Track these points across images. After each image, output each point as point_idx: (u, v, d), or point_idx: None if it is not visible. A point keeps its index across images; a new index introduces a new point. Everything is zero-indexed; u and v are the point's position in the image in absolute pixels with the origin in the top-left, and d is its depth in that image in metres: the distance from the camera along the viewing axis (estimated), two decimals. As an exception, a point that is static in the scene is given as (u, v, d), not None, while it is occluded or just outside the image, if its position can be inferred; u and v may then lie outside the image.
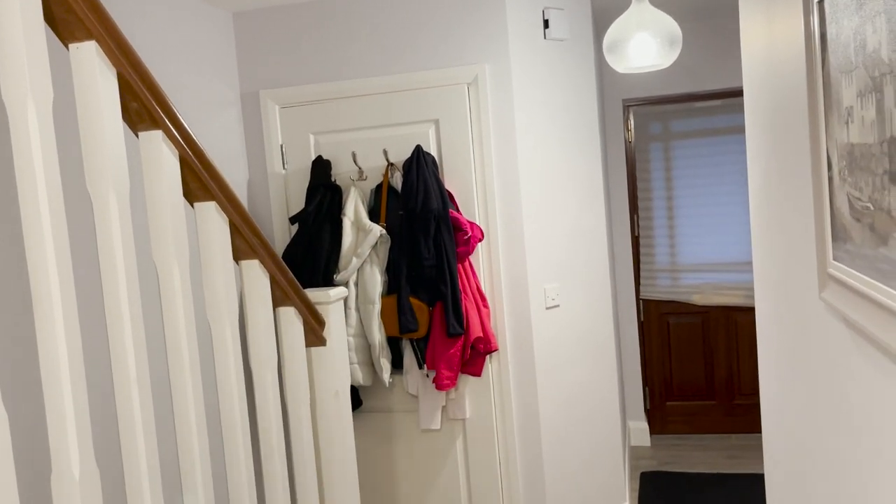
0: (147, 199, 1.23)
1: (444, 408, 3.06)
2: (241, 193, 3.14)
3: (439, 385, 2.90)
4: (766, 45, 1.66)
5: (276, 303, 1.60)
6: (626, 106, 4.47)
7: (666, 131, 4.54)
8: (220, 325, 1.38)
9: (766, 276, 1.87)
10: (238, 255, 1.51)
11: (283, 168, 3.16)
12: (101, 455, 1.74)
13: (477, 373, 2.98)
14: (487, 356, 3.00)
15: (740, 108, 4.37)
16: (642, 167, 4.57)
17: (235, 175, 3.11)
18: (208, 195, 1.37)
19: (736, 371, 4.54)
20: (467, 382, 3.04)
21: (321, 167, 3.06)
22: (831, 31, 1.07)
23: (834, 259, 1.15)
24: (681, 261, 4.56)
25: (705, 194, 4.46)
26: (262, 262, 1.51)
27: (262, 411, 1.52)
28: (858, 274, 1.03)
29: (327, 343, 1.75)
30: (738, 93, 4.28)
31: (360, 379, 2.95)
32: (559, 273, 3.14)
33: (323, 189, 3.01)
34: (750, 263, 4.42)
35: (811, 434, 1.48)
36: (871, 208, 0.96)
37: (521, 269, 3.01)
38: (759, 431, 4.46)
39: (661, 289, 4.60)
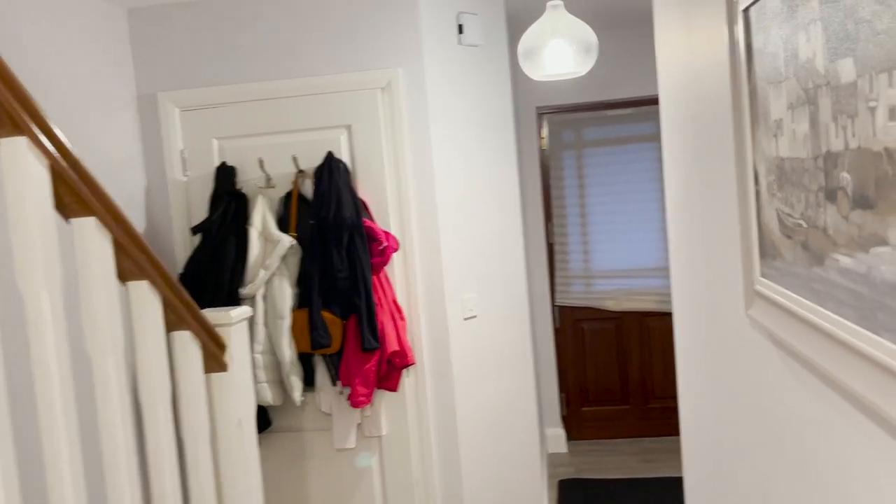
0: (8, 216, 1.07)
1: (359, 425, 2.94)
2: (137, 203, 2.93)
3: (354, 402, 2.78)
4: (685, 53, 1.64)
5: (170, 327, 1.45)
6: (540, 113, 4.47)
7: (579, 139, 4.56)
8: (101, 357, 1.22)
9: (685, 287, 1.85)
10: (124, 276, 1.35)
11: (185, 175, 2.97)
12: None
13: (393, 388, 2.87)
14: (404, 370, 2.90)
15: (652, 117, 4.45)
16: (556, 174, 4.58)
17: (131, 183, 2.90)
18: (86, 209, 1.22)
19: (649, 375, 4.61)
20: (383, 398, 2.93)
21: (226, 174, 2.88)
22: (758, 40, 1.03)
23: (762, 276, 1.12)
24: (594, 267, 4.59)
25: (618, 201, 4.51)
26: (151, 282, 1.36)
27: (154, 452, 1.36)
28: (790, 293, 0.98)
29: (229, 368, 1.60)
30: (649, 101, 4.35)
31: (270, 399, 2.79)
32: (477, 282, 3.07)
33: (228, 197, 2.84)
34: (662, 269, 4.49)
35: (734, 448, 1.45)
36: (804, 226, 0.91)
37: (438, 280, 2.92)
38: (673, 434, 4.54)
39: (575, 295, 4.62)
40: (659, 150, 4.43)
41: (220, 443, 1.57)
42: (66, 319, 1.14)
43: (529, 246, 4.42)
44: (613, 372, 4.63)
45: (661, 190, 4.44)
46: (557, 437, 4.53)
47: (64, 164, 1.13)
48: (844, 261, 0.78)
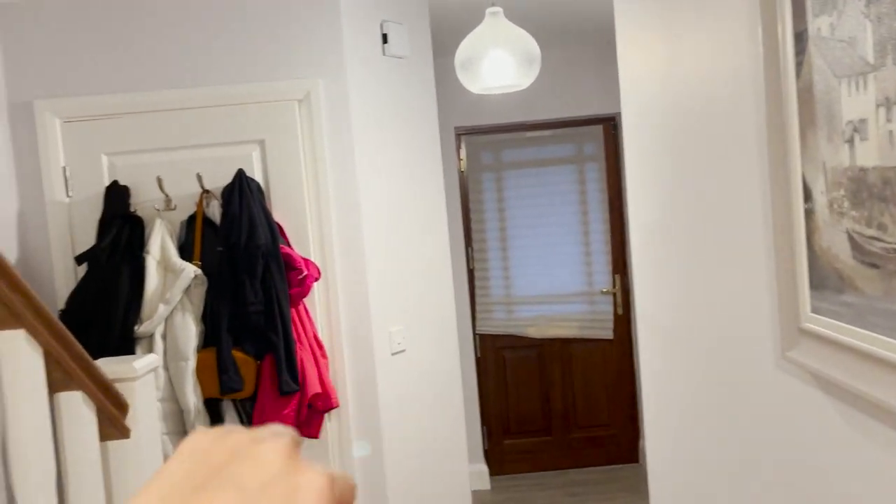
0: None
1: (275, 478, 2.60)
2: (7, 228, 2.50)
3: (270, 453, 2.44)
4: (664, 63, 1.47)
5: (55, 387, 1.11)
6: (458, 134, 4.29)
7: (498, 161, 4.42)
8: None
9: (659, 322, 1.67)
10: (-7, 324, 1.01)
11: (68, 196, 2.56)
12: None
13: (314, 434, 2.56)
14: (326, 414, 2.59)
15: (572, 139, 4.36)
16: (475, 197, 4.40)
17: (2, 204, 2.47)
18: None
19: (571, 404, 4.47)
20: (303, 446, 2.60)
21: (117, 195, 2.51)
22: (820, 25, 0.85)
23: (813, 311, 0.93)
24: (515, 293, 4.43)
25: (537, 225, 4.38)
26: (30, 331, 1.03)
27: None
28: (874, 335, 0.80)
29: (132, 434, 1.27)
30: (567, 123, 4.26)
31: (172, 453, 2.42)
32: (405, 314, 2.82)
33: (120, 221, 2.47)
34: (584, 294, 4.39)
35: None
36: (909, 251, 0.73)
37: (365, 311, 2.65)
38: (597, 465, 4.42)
39: (496, 322, 4.44)
40: (579, 172, 4.35)
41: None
42: None
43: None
44: (536, 402, 4.46)
45: (583, 213, 4.35)
46: (480, 472, 4.30)
47: None
48: None
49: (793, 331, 0.98)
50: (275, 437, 0.36)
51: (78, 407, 1.15)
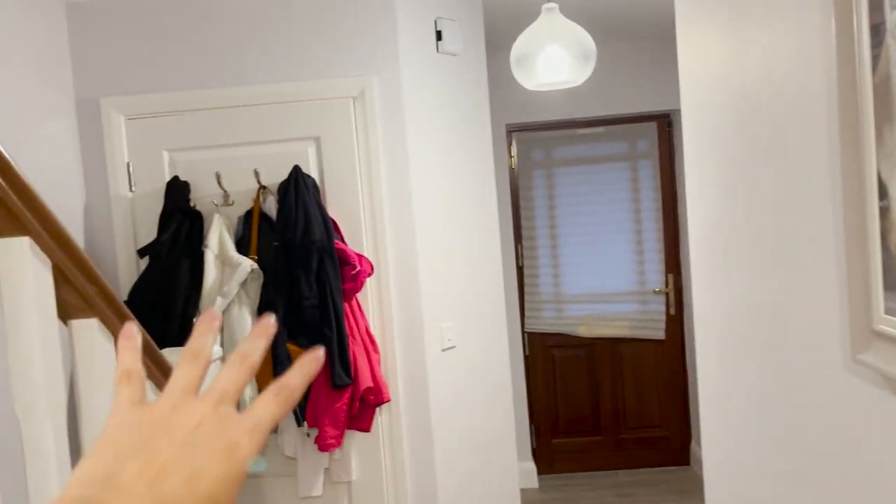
0: None
1: (326, 470, 2.64)
2: (75, 222, 2.58)
3: (322, 445, 2.48)
4: (728, 57, 1.44)
5: (124, 375, 1.16)
6: (509, 131, 4.28)
7: (549, 158, 4.39)
8: (34, 421, 0.93)
9: (720, 322, 1.64)
10: (67, 313, 1.06)
11: (131, 191, 2.64)
12: None
13: (366, 428, 2.59)
14: (378, 408, 2.62)
15: (625, 136, 4.31)
16: (525, 195, 4.38)
17: (67, 199, 2.56)
18: (18, 227, 0.93)
19: (622, 405, 4.42)
20: (354, 439, 2.63)
21: (178, 190, 2.57)
22: (900, 18, 0.82)
23: (887, 312, 0.90)
24: (565, 292, 4.40)
25: (589, 223, 4.34)
26: (104, 321, 1.07)
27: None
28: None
29: (195, 422, 1.31)
30: (620, 120, 4.21)
31: (227, 443, 2.47)
32: (455, 310, 2.82)
33: (180, 216, 2.53)
34: (634, 293, 4.33)
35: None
36: None
37: (416, 308, 2.66)
38: (647, 466, 4.36)
39: (546, 321, 4.41)
40: (632, 170, 4.29)
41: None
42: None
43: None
44: (585, 401, 4.43)
45: (636, 211, 4.29)
46: (528, 471, 4.29)
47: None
48: None
49: (865, 333, 0.95)
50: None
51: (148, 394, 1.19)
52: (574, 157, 4.35)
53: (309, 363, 0.45)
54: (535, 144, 4.37)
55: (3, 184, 0.88)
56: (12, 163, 0.90)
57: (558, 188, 4.35)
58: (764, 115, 1.27)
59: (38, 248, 0.95)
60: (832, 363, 1.07)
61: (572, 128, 4.27)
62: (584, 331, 4.39)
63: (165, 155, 2.65)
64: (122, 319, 1.11)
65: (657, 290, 4.30)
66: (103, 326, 1.07)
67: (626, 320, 4.34)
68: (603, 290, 4.35)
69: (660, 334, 4.32)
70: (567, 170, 4.36)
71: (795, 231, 1.17)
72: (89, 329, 1.06)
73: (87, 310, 1.04)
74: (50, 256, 0.97)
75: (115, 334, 1.10)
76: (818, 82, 1.04)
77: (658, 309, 4.31)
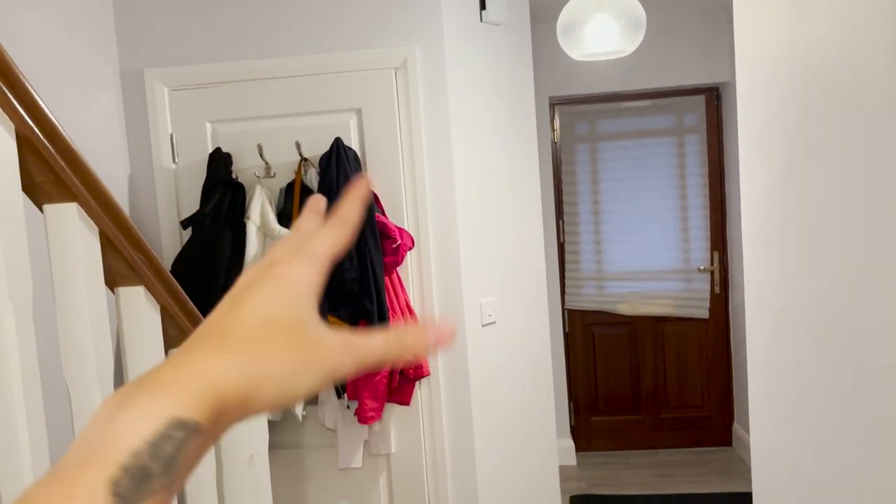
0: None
1: (366, 442, 2.65)
2: (120, 193, 2.61)
3: (362, 418, 2.49)
4: (788, 26, 1.37)
5: (171, 343, 1.15)
6: (553, 104, 4.20)
7: (593, 132, 4.30)
8: (83, 386, 0.93)
9: (776, 299, 1.58)
10: (114, 280, 1.05)
11: (174, 162, 2.66)
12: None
13: (405, 401, 2.59)
14: (418, 382, 2.62)
15: (672, 110, 4.20)
16: (568, 169, 4.31)
17: (113, 170, 2.58)
18: (66, 193, 0.92)
19: (662, 384, 4.36)
20: (393, 412, 2.64)
21: (220, 162, 2.58)
22: None
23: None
24: (607, 269, 4.34)
25: (633, 199, 4.25)
26: (149, 289, 1.07)
27: None
28: None
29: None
30: (667, 93, 4.10)
31: (269, 413, 2.49)
32: (496, 285, 2.79)
33: (222, 187, 2.54)
34: (678, 271, 4.25)
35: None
36: None
37: (456, 282, 2.64)
38: (687, 446, 4.31)
39: (586, 298, 4.36)
40: (678, 144, 4.19)
41: (229, 482, 1.27)
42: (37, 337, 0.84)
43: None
44: (625, 380, 4.38)
45: (682, 186, 4.19)
46: (566, 448, 4.27)
47: (35, 129, 0.84)
48: None
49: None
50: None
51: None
52: (619, 130, 4.25)
53: (360, 188, 0.45)
54: (578, 118, 4.29)
55: (52, 150, 0.87)
56: (60, 129, 0.90)
57: (602, 163, 4.27)
58: (829, 83, 1.20)
59: (85, 215, 0.95)
60: (901, 344, 1.02)
61: (617, 101, 4.18)
62: (625, 309, 4.33)
63: (208, 126, 2.65)
64: (168, 288, 1.10)
65: (702, 268, 4.21)
66: (149, 294, 1.07)
67: (669, 298, 4.27)
68: (646, 268, 4.28)
69: (704, 313, 4.23)
70: (611, 144, 4.27)
71: (860, 206, 1.11)
72: (135, 297, 1.06)
73: (133, 277, 1.03)
74: (97, 223, 0.97)
75: (160, 302, 1.09)
76: (889, 45, 0.97)
77: (703, 287, 4.22)
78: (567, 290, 4.33)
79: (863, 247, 1.11)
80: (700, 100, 4.13)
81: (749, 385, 1.81)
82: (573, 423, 4.39)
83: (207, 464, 1.21)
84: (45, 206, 0.94)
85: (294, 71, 2.60)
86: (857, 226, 1.13)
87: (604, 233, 4.29)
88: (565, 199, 4.30)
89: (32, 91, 0.86)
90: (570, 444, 4.30)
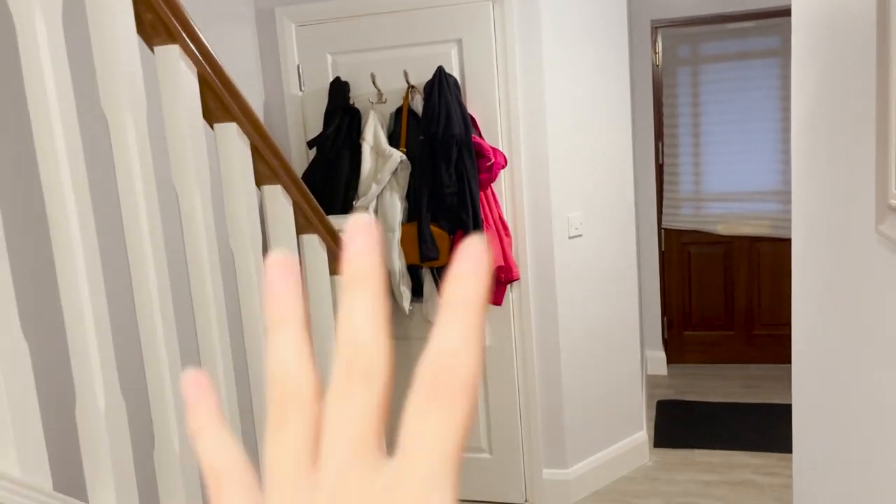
0: (165, 119, 1.17)
1: (464, 336, 3.05)
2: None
3: (460, 313, 2.87)
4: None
5: (300, 230, 1.55)
6: (655, 27, 4.28)
7: (695, 54, 4.36)
8: (243, 254, 1.33)
9: (806, 206, 1.79)
10: (260, 180, 1.44)
11: (301, 90, 3.06)
12: (127, 387, 1.72)
13: (498, 302, 2.95)
14: (508, 285, 2.96)
15: (776, 30, 4.18)
16: (669, 92, 4.41)
17: (251, 97, 3.02)
18: (228, 116, 1.30)
19: (756, 302, 4.49)
20: (487, 311, 3.01)
21: (339, 89, 2.95)
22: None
23: (898, 190, 1.08)
24: (705, 189, 4.46)
25: (734, 121, 4.31)
26: (285, 187, 1.45)
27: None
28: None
29: (351, 271, 1.70)
30: (774, 13, 4.08)
31: (381, 306, 2.92)
32: (583, 201, 3.06)
33: (341, 112, 2.92)
34: (778, 193, 4.31)
35: (851, 367, 1.44)
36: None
37: (545, 197, 2.93)
38: (778, 362, 4.46)
39: (683, 218, 4.51)
40: (784, 66, 4.18)
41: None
42: (214, 217, 1.24)
43: (637, 166, 4.33)
44: (719, 297, 4.54)
45: (785, 109, 4.21)
46: (658, 359, 4.54)
47: (210, 71, 1.22)
48: None
49: (883, 207, 1.13)
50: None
51: (315, 246, 1.59)
52: (722, 53, 4.29)
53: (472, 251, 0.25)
54: (681, 40, 4.35)
55: (220, 84, 1.25)
56: (224, 70, 1.27)
57: (704, 85, 4.33)
58: (840, 14, 1.39)
59: (240, 131, 1.33)
60: (866, 236, 1.25)
61: (721, 22, 4.20)
62: (722, 229, 4.45)
63: (329, 58, 3.02)
64: (298, 188, 1.49)
65: (801, 189, 4.25)
66: (284, 192, 1.46)
67: (767, 219, 4.35)
68: (745, 189, 4.36)
69: (801, 235, 4.29)
70: (714, 66, 4.31)
71: (850, 119, 1.32)
72: (276, 193, 1.45)
73: (273, 178, 1.42)
74: (249, 138, 1.35)
75: (293, 198, 1.48)
76: (871, -12, 1.17)
77: (801, 209, 4.27)
78: (664, 209, 4.49)
79: (856, 161, 1.32)
80: (808, 19, 4.08)
81: (793, 294, 2.03)
82: (666, 337, 4.63)
83: (329, 325, 1.62)
84: (216, 126, 1.33)
85: (402, 5, 2.90)
86: (852, 141, 1.34)
87: (703, 154, 4.40)
88: (665, 121, 4.42)
89: (206, 43, 1.23)
90: (662, 355, 4.56)
